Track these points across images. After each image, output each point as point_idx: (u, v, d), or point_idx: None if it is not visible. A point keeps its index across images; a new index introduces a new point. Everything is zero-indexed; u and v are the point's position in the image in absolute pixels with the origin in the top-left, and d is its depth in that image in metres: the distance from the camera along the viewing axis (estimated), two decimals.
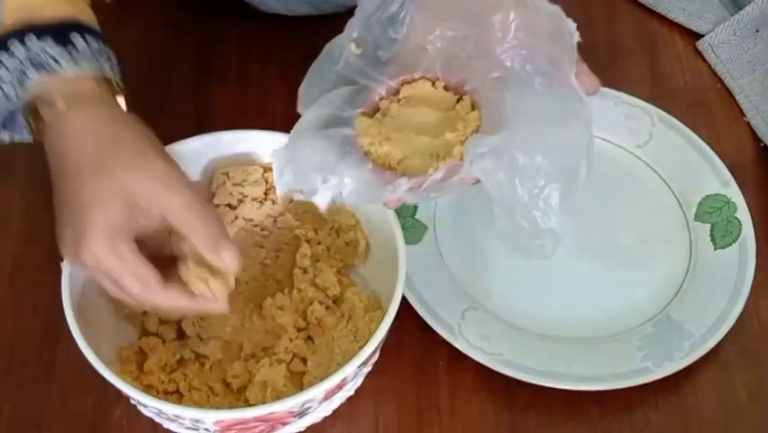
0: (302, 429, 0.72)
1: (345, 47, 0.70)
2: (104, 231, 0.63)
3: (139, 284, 0.64)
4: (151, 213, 0.64)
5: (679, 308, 0.80)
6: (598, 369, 0.76)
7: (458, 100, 0.69)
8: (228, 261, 0.65)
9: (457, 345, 0.77)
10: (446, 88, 0.70)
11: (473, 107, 0.68)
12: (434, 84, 0.69)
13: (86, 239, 0.63)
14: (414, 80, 0.69)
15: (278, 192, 0.69)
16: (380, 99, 0.69)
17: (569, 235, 0.66)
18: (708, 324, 0.78)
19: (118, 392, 0.68)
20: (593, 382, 0.76)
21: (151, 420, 0.71)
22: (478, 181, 0.66)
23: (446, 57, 0.69)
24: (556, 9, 0.69)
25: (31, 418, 0.76)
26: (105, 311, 0.75)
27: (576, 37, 0.69)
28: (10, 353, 0.79)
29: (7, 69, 0.66)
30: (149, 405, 0.67)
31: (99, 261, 0.63)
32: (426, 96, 0.69)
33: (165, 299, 0.65)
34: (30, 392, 0.77)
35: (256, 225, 0.80)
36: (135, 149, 0.65)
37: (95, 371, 0.67)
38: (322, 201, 0.68)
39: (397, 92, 0.69)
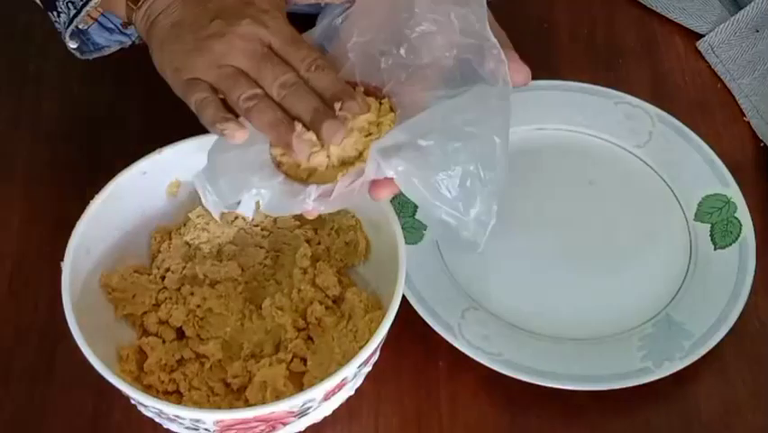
0: (302, 429, 0.72)
1: None
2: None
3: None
4: None
5: (679, 309, 0.80)
6: (598, 369, 0.76)
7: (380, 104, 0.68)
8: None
9: (457, 345, 0.77)
10: (367, 93, 0.68)
11: (391, 109, 0.67)
12: (354, 89, 0.68)
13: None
14: None
15: (214, 215, 0.69)
16: None
17: (493, 219, 0.65)
18: (708, 324, 0.78)
19: (118, 392, 0.68)
20: (593, 382, 0.76)
21: (151, 420, 0.71)
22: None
23: (364, 61, 0.69)
24: None
25: (31, 418, 0.76)
26: (105, 311, 0.75)
27: (482, 3, 0.68)
28: (10, 353, 0.79)
29: None
30: (149, 405, 0.67)
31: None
32: None
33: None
34: (30, 392, 0.77)
35: (256, 226, 0.80)
36: None
37: (95, 371, 0.67)
38: (247, 212, 0.68)
39: None
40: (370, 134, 0.66)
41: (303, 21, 0.98)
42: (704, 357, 0.77)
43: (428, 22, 0.68)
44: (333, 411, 0.73)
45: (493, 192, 0.64)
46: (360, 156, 0.65)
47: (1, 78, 0.95)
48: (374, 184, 0.66)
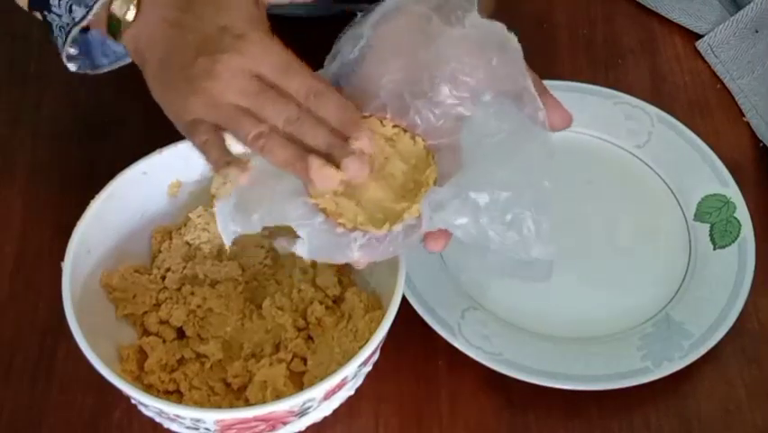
0: (302, 429, 0.72)
1: None
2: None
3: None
4: None
5: (678, 308, 0.80)
6: (597, 369, 0.76)
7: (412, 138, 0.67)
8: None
9: (457, 344, 0.77)
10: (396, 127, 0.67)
11: (428, 153, 0.66)
12: (382, 123, 0.67)
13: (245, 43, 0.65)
14: (364, 117, 0.66)
15: (225, 242, 0.67)
16: None
17: (554, 257, 0.65)
18: (707, 324, 0.78)
19: (118, 392, 0.68)
20: (593, 382, 0.76)
21: (152, 420, 0.71)
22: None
23: (394, 101, 0.67)
24: (495, 25, 0.68)
25: (31, 417, 0.76)
26: (106, 311, 0.76)
27: (520, 50, 0.67)
28: (10, 353, 0.79)
29: None
30: (149, 405, 0.67)
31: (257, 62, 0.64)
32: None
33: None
34: (30, 392, 0.77)
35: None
36: None
37: (95, 371, 0.67)
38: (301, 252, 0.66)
39: None
40: (414, 184, 0.65)
41: (303, 22, 0.98)
42: (704, 357, 0.77)
43: (465, 65, 0.67)
44: (334, 411, 0.73)
45: (548, 232, 0.65)
46: (404, 204, 0.64)
47: (1, 78, 0.95)
48: (429, 236, 0.65)
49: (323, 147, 0.63)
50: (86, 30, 0.74)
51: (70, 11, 0.71)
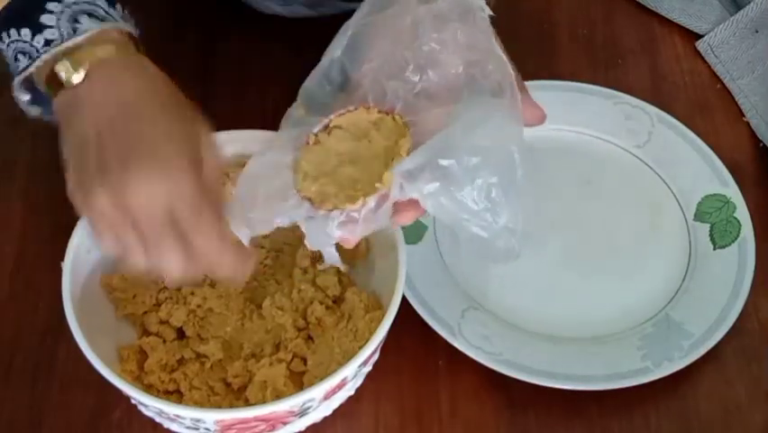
0: (302, 429, 0.72)
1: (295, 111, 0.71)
2: (192, 162, 0.64)
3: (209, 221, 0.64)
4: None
5: (678, 308, 0.80)
6: (597, 369, 0.76)
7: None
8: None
9: (457, 344, 0.77)
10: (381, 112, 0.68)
11: (405, 127, 0.67)
12: (368, 111, 0.68)
13: (177, 163, 0.63)
14: (348, 111, 0.68)
15: (244, 242, 0.68)
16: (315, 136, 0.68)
17: (521, 227, 0.66)
18: (707, 324, 0.78)
19: (118, 392, 0.68)
20: (593, 382, 0.76)
21: (152, 420, 0.71)
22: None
23: (374, 87, 0.69)
24: None
25: (31, 417, 0.76)
26: (106, 311, 0.75)
27: (487, 11, 0.68)
28: (10, 353, 0.79)
29: (55, 14, 0.67)
30: (150, 405, 0.67)
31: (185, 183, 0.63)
32: (356, 123, 0.68)
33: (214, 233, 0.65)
34: (30, 392, 0.77)
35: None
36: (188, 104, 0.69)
37: (95, 371, 0.67)
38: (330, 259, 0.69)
39: (326, 126, 0.68)
40: (391, 159, 0.66)
41: (303, 22, 0.98)
42: (704, 357, 0.77)
43: (433, 41, 0.68)
44: (334, 411, 0.73)
45: (516, 200, 0.65)
46: (380, 180, 0.65)
47: (2, 78, 0.95)
48: (397, 210, 0.65)
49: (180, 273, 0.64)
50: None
51: (15, 59, 0.69)
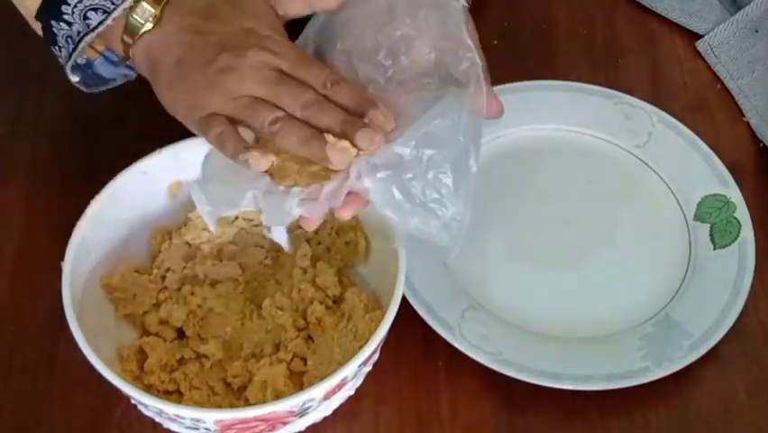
0: (302, 429, 0.72)
1: None
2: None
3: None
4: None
5: (678, 308, 0.80)
6: (597, 369, 0.76)
7: None
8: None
9: (457, 345, 0.77)
10: None
11: None
12: None
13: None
14: None
15: (209, 224, 0.70)
16: None
17: (467, 219, 0.67)
18: (707, 324, 0.78)
19: (118, 392, 0.68)
20: (593, 382, 0.76)
21: (152, 420, 0.71)
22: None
23: (346, 69, 0.70)
24: None
25: (31, 417, 0.76)
26: (106, 311, 0.76)
27: (461, 1, 0.69)
28: (10, 353, 0.79)
29: None
30: (150, 405, 0.67)
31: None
32: None
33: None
34: (30, 392, 0.77)
35: (257, 226, 0.80)
36: None
37: (95, 371, 0.67)
38: (280, 240, 0.70)
39: None
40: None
41: (303, 22, 0.98)
42: (704, 357, 0.77)
43: (406, 26, 0.69)
44: (334, 411, 0.73)
45: (467, 195, 0.66)
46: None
47: (2, 78, 0.95)
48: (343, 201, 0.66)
49: (337, 127, 0.65)
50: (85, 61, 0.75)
51: (85, 17, 0.71)
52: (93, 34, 0.72)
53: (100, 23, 0.71)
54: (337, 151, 0.64)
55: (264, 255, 0.80)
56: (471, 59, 0.69)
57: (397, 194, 0.65)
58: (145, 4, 0.70)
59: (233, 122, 0.67)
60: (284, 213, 0.65)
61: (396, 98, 0.68)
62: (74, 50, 0.73)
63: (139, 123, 0.90)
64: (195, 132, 0.69)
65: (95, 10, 0.71)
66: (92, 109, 0.93)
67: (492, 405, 0.77)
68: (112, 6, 0.70)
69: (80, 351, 0.67)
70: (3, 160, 0.90)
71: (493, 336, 0.78)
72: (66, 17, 0.72)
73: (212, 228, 0.70)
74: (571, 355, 0.77)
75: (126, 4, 0.70)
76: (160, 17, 0.70)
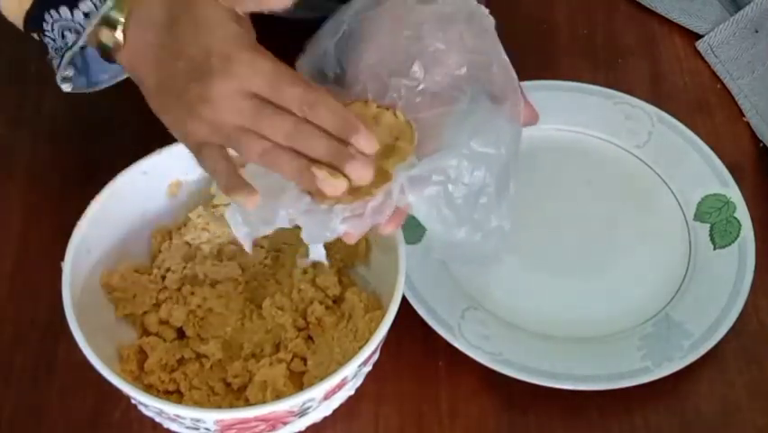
0: (302, 429, 0.72)
1: None
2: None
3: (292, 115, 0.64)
4: None
5: (678, 308, 0.80)
6: (597, 369, 0.76)
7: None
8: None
9: (457, 345, 0.77)
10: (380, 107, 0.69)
11: (409, 126, 0.68)
12: (366, 104, 0.68)
13: (239, 69, 0.64)
14: (345, 104, 0.67)
15: (246, 247, 0.69)
16: None
17: (509, 227, 0.68)
18: (707, 324, 0.78)
19: (118, 392, 0.68)
20: (593, 382, 0.76)
21: (152, 420, 0.71)
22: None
23: (374, 83, 0.69)
24: None
25: (31, 417, 0.76)
26: (106, 311, 0.76)
27: (492, 21, 0.69)
28: (10, 353, 0.79)
29: None
30: (150, 405, 0.67)
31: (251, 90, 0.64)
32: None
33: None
34: (30, 392, 0.77)
35: None
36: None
37: (95, 371, 0.67)
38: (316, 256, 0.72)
39: None
40: (389, 156, 0.66)
41: (304, 23, 0.98)
42: (704, 357, 0.77)
43: (438, 41, 0.69)
44: (334, 411, 0.73)
45: (507, 205, 0.67)
46: (383, 176, 0.65)
47: (2, 78, 0.95)
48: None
49: (324, 156, 0.64)
50: (84, 47, 0.75)
51: (63, 36, 0.71)
52: (70, 52, 0.72)
53: (74, 42, 0.71)
54: (329, 184, 0.63)
55: (264, 255, 0.80)
56: (507, 74, 0.70)
57: (444, 209, 0.65)
58: (105, 30, 0.69)
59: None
60: (328, 230, 0.65)
61: (426, 112, 0.68)
62: (60, 64, 0.73)
63: (139, 123, 0.89)
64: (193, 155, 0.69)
65: (69, 30, 0.70)
66: (92, 109, 0.93)
67: (492, 405, 0.77)
68: (82, 29, 0.70)
69: (80, 351, 0.67)
70: (3, 160, 0.90)
71: (493, 336, 0.78)
72: (48, 33, 0.72)
73: (248, 250, 0.70)
74: (571, 355, 0.77)
75: (90, 29, 0.69)
76: (125, 37, 0.69)
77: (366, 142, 0.64)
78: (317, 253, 0.73)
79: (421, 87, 0.69)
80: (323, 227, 0.65)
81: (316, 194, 0.65)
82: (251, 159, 0.65)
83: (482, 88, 0.69)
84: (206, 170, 0.67)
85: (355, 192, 0.65)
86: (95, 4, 0.69)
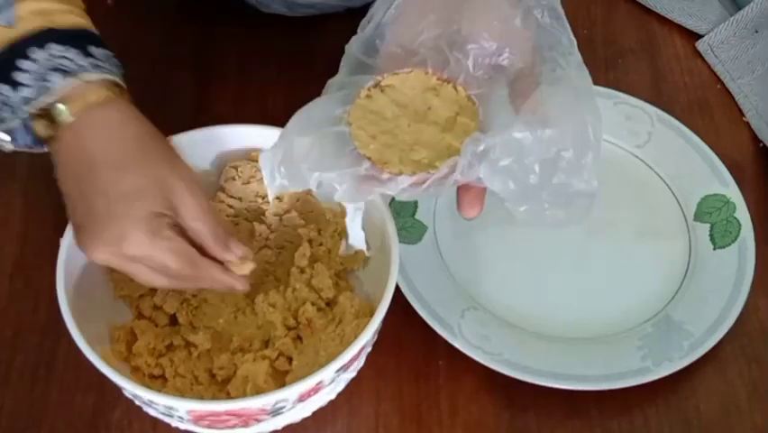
0: (278, 428, 0.72)
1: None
2: (150, 218, 0.66)
3: (184, 260, 0.67)
4: (176, 209, 0.68)
5: (678, 308, 0.80)
6: (597, 369, 0.76)
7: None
8: (240, 253, 0.70)
9: (457, 345, 0.77)
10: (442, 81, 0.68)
11: (470, 100, 0.67)
12: (426, 75, 0.68)
13: (132, 225, 0.66)
14: (404, 72, 0.67)
15: (269, 196, 0.69)
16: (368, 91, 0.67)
17: (597, 190, 0.66)
18: (707, 324, 0.79)
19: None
20: (593, 382, 0.76)
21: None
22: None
23: (434, 56, 0.68)
24: (560, 26, 0.69)
25: (31, 417, 0.76)
26: (105, 290, 0.75)
27: (575, 48, 0.68)
28: (10, 353, 0.79)
29: (28, 73, 0.67)
30: (126, 388, 0.66)
31: (146, 246, 0.66)
32: (411, 85, 0.67)
33: (206, 268, 0.69)
34: (30, 392, 0.77)
35: (261, 223, 0.80)
36: (165, 147, 0.70)
37: (95, 371, 0.67)
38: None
39: (378, 84, 0.67)
40: (450, 130, 0.66)
41: (303, 21, 0.98)
42: (703, 357, 0.77)
43: (505, 15, 0.68)
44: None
45: (591, 165, 0.66)
46: (447, 149, 0.65)
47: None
48: (464, 201, 0.66)
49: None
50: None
51: (1, 110, 0.69)
52: (5, 126, 0.70)
53: (11, 120, 0.69)
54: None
55: (270, 254, 0.80)
56: (573, 51, 0.68)
57: (519, 180, 0.63)
58: (42, 122, 0.68)
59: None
60: (382, 188, 0.64)
61: (488, 89, 0.67)
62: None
63: None
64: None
65: (7, 105, 0.68)
66: None
67: (492, 405, 0.77)
68: (19, 110, 0.68)
69: (80, 351, 0.67)
70: (3, 160, 0.89)
71: (493, 336, 0.78)
72: None
73: (270, 200, 0.72)
74: (572, 355, 0.77)
75: (24, 115, 0.68)
76: (55, 143, 0.69)
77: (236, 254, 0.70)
78: (357, 239, 0.71)
79: (485, 61, 0.67)
80: (375, 187, 0.64)
81: (377, 161, 0.64)
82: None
83: (552, 62, 0.68)
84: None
85: (417, 164, 0.64)
86: (36, 93, 0.67)
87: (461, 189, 0.66)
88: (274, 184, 0.67)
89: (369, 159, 0.64)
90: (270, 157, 0.67)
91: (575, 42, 0.68)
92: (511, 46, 0.67)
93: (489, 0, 0.69)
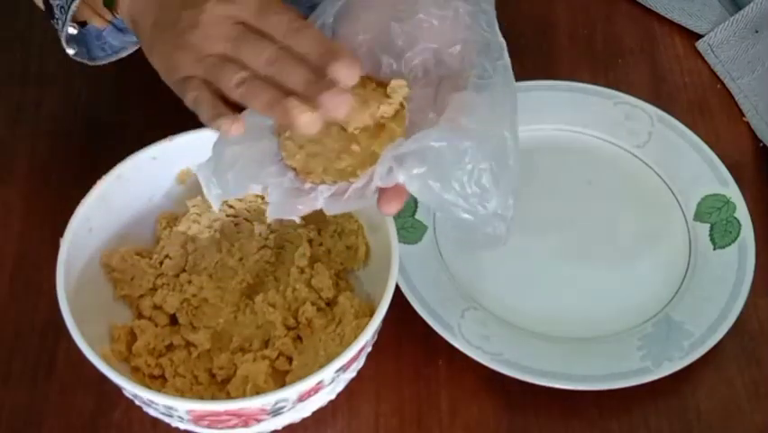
0: (278, 428, 0.72)
1: None
2: None
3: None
4: None
5: (678, 308, 0.80)
6: (597, 369, 0.76)
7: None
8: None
9: (457, 345, 0.77)
10: (378, 84, 0.68)
11: (402, 106, 0.67)
12: (364, 85, 0.67)
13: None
14: None
15: (214, 207, 0.68)
16: None
17: (511, 212, 0.65)
18: (707, 324, 0.78)
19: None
20: (593, 382, 0.76)
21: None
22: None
23: (369, 59, 0.68)
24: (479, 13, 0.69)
25: (31, 417, 0.76)
26: (104, 290, 0.76)
27: (491, 2, 0.68)
28: (10, 353, 0.79)
29: None
30: (126, 388, 0.66)
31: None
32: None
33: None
34: (30, 392, 0.77)
35: (261, 223, 0.80)
36: None
37: (95, 371, 0.67)
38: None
39: None
40: (379, 134, 0.66)
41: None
42: (704, 357, 0.77)
43: (433, 17, 0.68)
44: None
45: (508, 187, 0.65)
46: (370, 156, 0.65)
47: (2, 78, 0.95)
48: (383, 197, 0.65)
49: (301, 86, 0.62)
50: (83, 24, 0.75)
51: None
52: (76, 2, 0.72)
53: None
54: (301, 118, 0.61)
55: (269, 254, 0.80)
56: (502, 55, 0.68)
57: (436, 188, 0.63)
58: None
59: (210, 83, 0.66)
60: (306, 205, 0.64)
61: (418, 90, 0.67)
62: (65, 20, 0.73)
63: (139, 123, 0.90)
64: (177, 94, 0.68)
65: None
66: (92, 109, 0.93)
67: (492, 405, 0.77)
68: None
69: (80, 351, 0.67)
70: (3, 160, 0.90)
71: (493, 336, 0.78)
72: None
73: (215, 210, 0.69)
74: (571, 355, 0.77)
75: None
76: None
77: (348, 71, 0.62)
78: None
79: (413, 65, 0.68)
80: (301, 201, 0.64)
81: (301, 171, 0.64)
82: (228, 89, 0.64)
83: (480, 68, 0.68)
84: (190, 103, 0.66)
85: (341, 173, 0.64)
86: None
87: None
88: (211, 194, 0.66)
89: (294, 169, 0.64)
90: (205, 167, 0.66)
91: (505, 46, 0.68)
92: (439, 50, 0.68)
93: (418, 1, 0.69)
